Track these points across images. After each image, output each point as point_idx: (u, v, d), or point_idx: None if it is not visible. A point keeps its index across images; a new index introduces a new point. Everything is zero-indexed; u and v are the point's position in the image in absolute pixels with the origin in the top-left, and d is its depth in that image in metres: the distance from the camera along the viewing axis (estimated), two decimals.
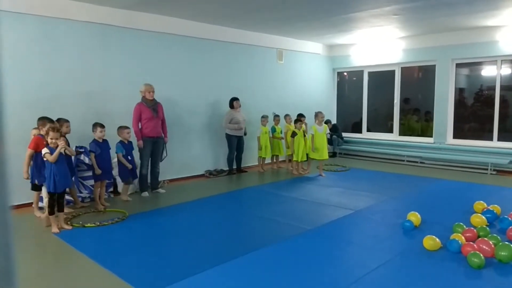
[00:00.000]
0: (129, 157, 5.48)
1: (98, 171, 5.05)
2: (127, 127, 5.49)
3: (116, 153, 5.37)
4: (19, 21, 5.10)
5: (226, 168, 7.57)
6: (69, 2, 5.46)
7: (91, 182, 5.41)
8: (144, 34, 6.36)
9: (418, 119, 9.15)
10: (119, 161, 5.39)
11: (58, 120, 4.89)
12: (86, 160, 5.35)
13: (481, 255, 3.20)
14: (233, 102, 7.35)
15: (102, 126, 5.15)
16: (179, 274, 3.13)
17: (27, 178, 4.53)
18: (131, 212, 4.89)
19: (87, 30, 5.73)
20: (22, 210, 4.97)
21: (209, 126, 7.47)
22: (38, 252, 3.81)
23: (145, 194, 5.81)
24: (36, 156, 4.47)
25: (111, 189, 5.86)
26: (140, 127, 5.74)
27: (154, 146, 5.83)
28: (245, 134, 7.45)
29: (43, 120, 4.58)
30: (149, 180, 5.96)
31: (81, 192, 5.39)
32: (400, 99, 9.16)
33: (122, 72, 6.14)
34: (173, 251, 3.69)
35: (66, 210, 4.59)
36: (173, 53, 6.80)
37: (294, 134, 7.32)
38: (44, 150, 4.15)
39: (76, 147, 5.27)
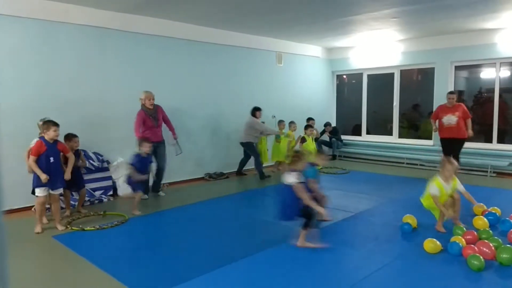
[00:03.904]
0: (145, 169, 5.21)
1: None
2: (148, 141, 5.19)
3: (131, 164, 5.03)
4: (18, 25, 5.10)
5: (225, 171, 7.56)
6: (68, 6, 5.47)
7: (91, 185, 5.42)
8: (143, 38, 6.37)
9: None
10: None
11: (67, 135, 4.86)
12: (87, 164, 5.36)
13: (481, 257, 3.20)
14: (256, 111, 7.30)
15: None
16: (179, 278, 3.12)
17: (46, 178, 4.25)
18: (131, 215, 4.88)
19: (86, 34, 5.74)
20: (20, 214, 4.96)
21: (208, 129, 7.47)
22: (38, 256, 3.80)
23: (145, 197, 5.79)
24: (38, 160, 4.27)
25: (111, 192, 5.84)
26: (142, 131, 5.65)
27: (156, 151, 5.77)
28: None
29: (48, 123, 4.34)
30: (151, 183, 5.94)
31: (72, 195, 5.28)
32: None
33: (121, 76, 6.14)
34: (173, 254, 3.68)
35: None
36: (172, 56, 6.81)
37: (303, 140, 7.13)
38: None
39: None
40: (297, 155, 3.81)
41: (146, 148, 5.10)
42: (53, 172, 4.29)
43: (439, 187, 4.10)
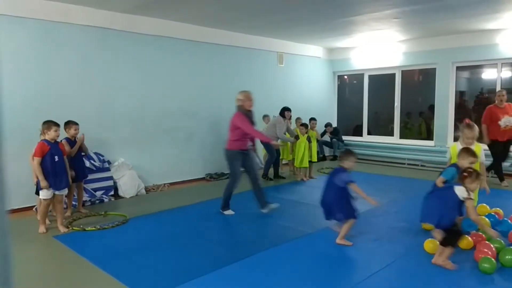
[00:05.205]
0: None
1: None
2: (353, 154, 3.90)
3: (349, 182, 3.78)
4: (20, 25, 5.11)
5: (226, 171, 7.53)
6: (69, 6, 5.48)
7: (92, 185, 5.41)
8: (144, 38, 6.37)
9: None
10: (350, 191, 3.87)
11: (67, 122, 4.85)
12: (88, 164, 5.37)
13: (493, 260, 3.13)
14: (285, 111, 7.09)
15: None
16: (180, 278, 3.12)
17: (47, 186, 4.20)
18: (132, 216, 4.88)
19: (88, 34, 5.74)
20: (21, 213, 4.96)
21: (209, 129, 7.46)
22: (39, 256, 3.79)
23: (274, 204, 5.15)
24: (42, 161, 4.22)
25: (112, 193, 5.84)
26: (234, 138, 4.86)
27: (246, 159, 5.02)
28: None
29: (48, 123, 4.31)
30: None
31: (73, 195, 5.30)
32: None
33: (122, 76, 6.15)
34: (174, 254, 3.68)
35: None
36: (173, 56, 6.80)
37: (296, 138, 7.19)
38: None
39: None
40: (473, 172, 3.11)
41: (352, 164, 3.85)
42: (59, 172, 4.26)
43: (452, 151, 3.69)
